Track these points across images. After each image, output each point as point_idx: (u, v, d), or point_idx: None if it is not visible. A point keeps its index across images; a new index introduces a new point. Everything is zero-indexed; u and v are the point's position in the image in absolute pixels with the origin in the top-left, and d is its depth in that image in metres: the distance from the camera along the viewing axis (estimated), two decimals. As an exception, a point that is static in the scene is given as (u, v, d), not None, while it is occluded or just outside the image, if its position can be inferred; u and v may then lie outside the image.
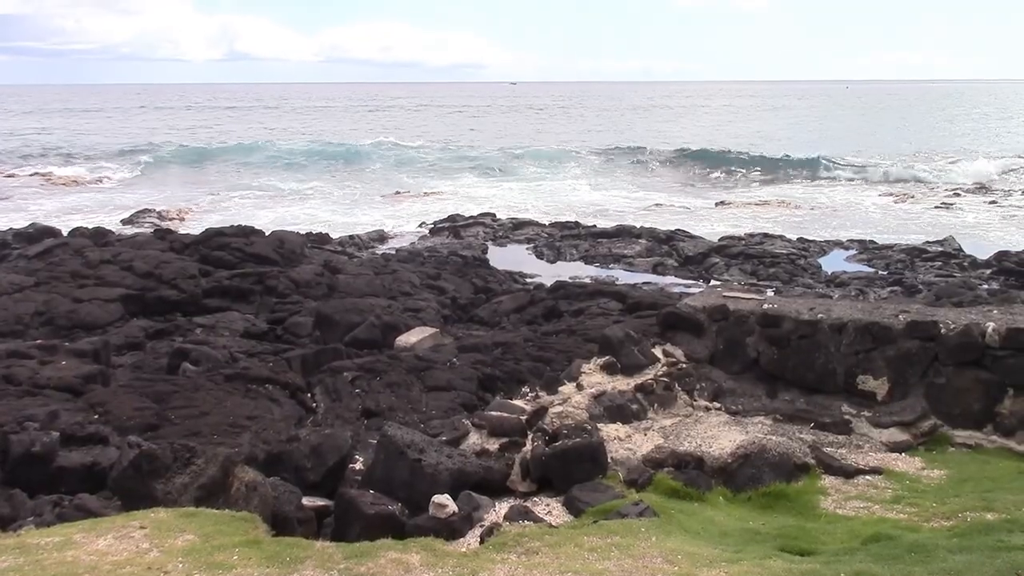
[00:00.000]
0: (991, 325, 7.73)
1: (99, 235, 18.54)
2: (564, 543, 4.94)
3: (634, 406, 7.80)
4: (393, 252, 20.64)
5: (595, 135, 61.92)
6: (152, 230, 21.46)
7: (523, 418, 7.34)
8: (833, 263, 19.73)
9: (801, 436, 7.37)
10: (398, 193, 34.33)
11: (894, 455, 7.29)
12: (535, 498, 6.44)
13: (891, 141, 59.00)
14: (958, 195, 31.98)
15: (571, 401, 7.72)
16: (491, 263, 19.24)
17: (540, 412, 7.46)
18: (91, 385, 9.54)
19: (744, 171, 39.90)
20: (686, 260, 19.78)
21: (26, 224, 21.06)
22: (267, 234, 17.80)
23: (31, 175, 37.99)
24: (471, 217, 25.35)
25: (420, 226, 25.20)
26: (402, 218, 27.25)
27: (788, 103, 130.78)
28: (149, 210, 27.55)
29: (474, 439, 7.22)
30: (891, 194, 32.67)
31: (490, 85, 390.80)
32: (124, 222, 25.38)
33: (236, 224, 18.96)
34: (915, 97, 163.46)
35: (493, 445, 7.08)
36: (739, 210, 29.22)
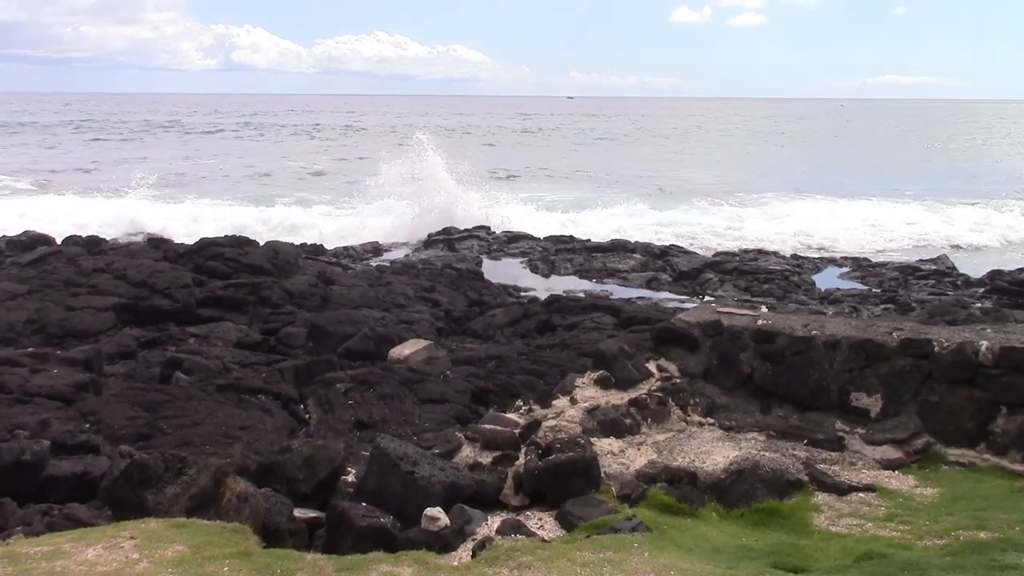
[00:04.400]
0: (984, 344, 7.73)
1: (92, 244, 18.50)
2: (556, 558, 4.92)
3: (627, 421, 7.78)
4: (387, 264, 20.63)
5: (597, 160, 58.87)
6: (146, 239, 21.43)
7: (516, 432, 7.32)
8: (827, 280, 19.80)
9: (794, 452, 7.36)
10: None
11: (887, 472, 7.28)
12: (528, 512, 6.42)
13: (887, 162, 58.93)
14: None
15: (564, 415, 7.70)
16: (485, 276, 19.21)
17: (533, 426, 7.45)
18: (83, 394, 9.48)
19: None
20: (680, 275, 19.79)
21: (19, 232, 20.96)
22: (261, 244, 17.78)
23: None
24: (465, 230, 25.28)
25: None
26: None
27: (787, 125, 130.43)
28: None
29: (467, 452, 7.20)
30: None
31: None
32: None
33: (230, 234, 18.93)
34: (910, 115, 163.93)
35: (486, 458, 7.06)
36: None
